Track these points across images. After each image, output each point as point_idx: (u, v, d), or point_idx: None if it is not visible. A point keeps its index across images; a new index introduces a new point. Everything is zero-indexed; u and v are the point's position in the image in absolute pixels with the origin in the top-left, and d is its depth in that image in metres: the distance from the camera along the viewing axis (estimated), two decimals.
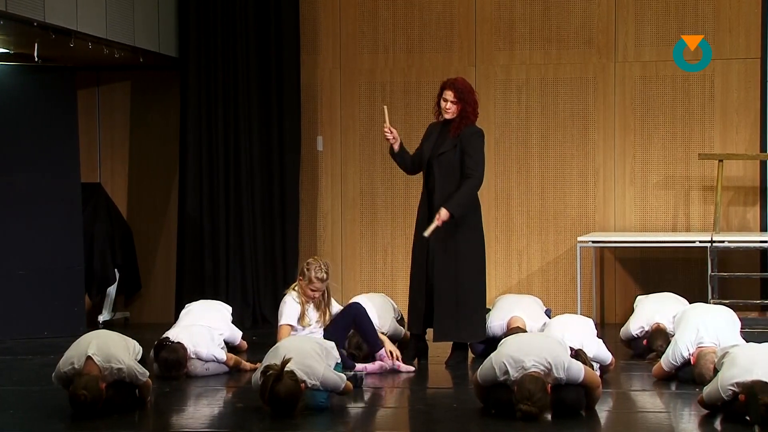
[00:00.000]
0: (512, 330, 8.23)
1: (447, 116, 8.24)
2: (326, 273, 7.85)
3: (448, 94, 8.20)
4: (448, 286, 8.18)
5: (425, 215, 8.27)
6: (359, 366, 7.77)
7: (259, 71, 10.73)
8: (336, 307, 8.04)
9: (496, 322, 8.54)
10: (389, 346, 8.05)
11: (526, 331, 8.24)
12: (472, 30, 10.82)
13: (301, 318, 7.86)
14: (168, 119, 11.06)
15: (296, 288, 7.93)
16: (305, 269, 7.87)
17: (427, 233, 8.12)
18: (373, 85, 10.94)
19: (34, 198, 9.89)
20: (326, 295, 7.93)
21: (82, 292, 10.19)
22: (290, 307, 7.88)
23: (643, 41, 10.58)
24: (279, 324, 7.94)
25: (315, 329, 7.90)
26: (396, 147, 8.38)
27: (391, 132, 8.33)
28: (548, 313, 8.86)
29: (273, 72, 10.73)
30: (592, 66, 10.66)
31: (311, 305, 7.91)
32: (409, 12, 10.89)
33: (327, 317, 7.93)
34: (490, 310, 8.78)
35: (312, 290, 7.84)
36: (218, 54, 10.71)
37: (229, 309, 9.01)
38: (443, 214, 8.09)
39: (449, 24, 10.84)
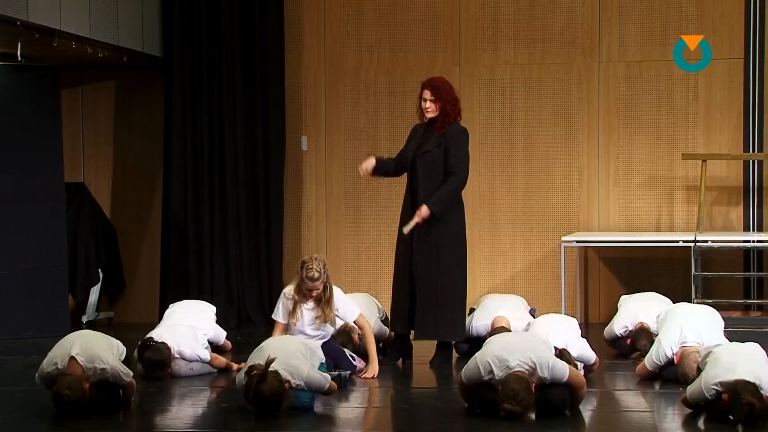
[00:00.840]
0: (497, 330, 8.24)
1: (428, 115, 8.27)
2: (319, 271, 7.59)
3: (426, 93, 8.25)
4: (428, 285, 8.20)
5: (408, 215, 8.28)
6: (360, 364, 7.84)
7: (244, 70, 10.71)
8: (342, 305, 7.79)
9: (480, 321, 8.54)
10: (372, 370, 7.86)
11: (510, 331, 8.25)
12: (456, 30, 10.83)
13: (292, 314, 7.71)
14: (152, 119, 11.04)
15: (295, 287, 7.75)
16: (299, 268, 7.68)
17: (406, 230, 8.14)
18: (357, 84, 10.93)
19: (18, 198, 9.85)
20: (326, 292, 7.69)
21: (66, 292, 10.16)
22: (281, 303, 7.76)
23: (627, 41, 10.60)
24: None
25: (315, 328, 7.72)
26: (369, 168, 8.34)
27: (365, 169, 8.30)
28: (532, 313, 8.87)
29: (257, 71, 10.72)
30: (577, 66, 10.68)
31: (310, 304, 7.73)
32: (394, 12, 10.89)
33: (328, 315, 7.69)
34: (474, 309, 8.79)
35: (306, 290, 7.66)
36: (203, 53, 10.69)
37: (214, 309, 9.00)
38: (424, 211, 8.11)
39: (434, 24, 10.84)
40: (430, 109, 8.25)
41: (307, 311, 7.73)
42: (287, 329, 7.73)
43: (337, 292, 7.80)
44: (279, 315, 7.76)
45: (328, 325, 7.78)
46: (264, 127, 10.74)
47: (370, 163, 8.38)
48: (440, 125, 8.23)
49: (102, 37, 9.62)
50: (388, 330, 8.77)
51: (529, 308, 8.99)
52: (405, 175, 8.45)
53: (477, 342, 7.84)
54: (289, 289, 7.78)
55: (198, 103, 10.69)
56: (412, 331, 8.39)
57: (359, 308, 8.15)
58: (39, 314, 9.83)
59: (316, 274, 7.60)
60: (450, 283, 8.25)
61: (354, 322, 7.96)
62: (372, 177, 8.56)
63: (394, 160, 8.47)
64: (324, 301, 7.69)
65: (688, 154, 10.30)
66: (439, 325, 8.24)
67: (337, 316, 7.84)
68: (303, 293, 7.67)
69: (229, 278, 10.65)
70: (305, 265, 7.64)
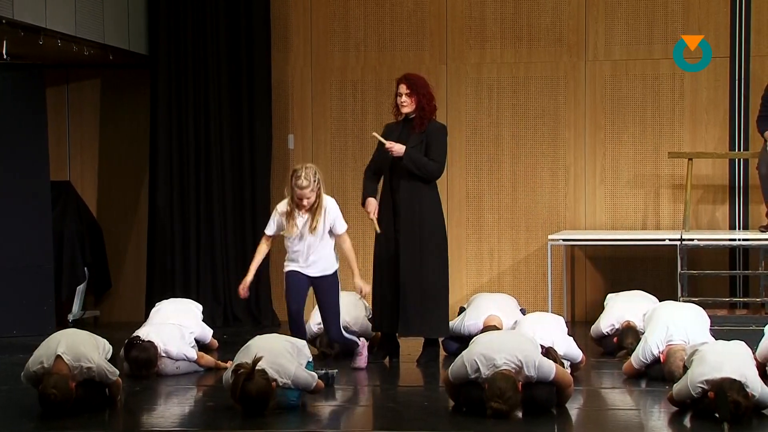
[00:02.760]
0: (488, 328, 8.24)
1: (404, 110, 8.26)
2: (308, 179, 7.61)
3: (402, 88, 8.27)
4: (415, 283, 8.20)
5: (389, 212, 8.26)
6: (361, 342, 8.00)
7: (230, 69, 10.70)
8: (335, 215, 7.76)
9: (472, 320, 8.53)
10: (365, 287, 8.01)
11: (501, 330, 8.24)
12: (443, 28, 10.84)
13: (288, 226, 7.73)
14: (138, 117, 11.02)
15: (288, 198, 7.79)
16: (290, 177, 7.73)
17: (376, 135, 8.15)
18: (344, 83, 10.93)
19: (3, 196, 9.82)
20: (319, 200, 7.70)
21: (52, 291, 10.12)
22: (273, 218, 7.86)
23: (614, 40, 10.63)
24: None
25: (306, 236, 7.73)
26: (375, 211, 8.32)
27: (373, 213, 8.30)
28: (523, 313, 8.85)
29: (244, 70, 10.70)
30: (563, 64, 10.69)
31: (304, 215, 7.73)
32: (381, 10, 10.89)
33: (317, 224, 7.71)
34: (464, 308, 8.79)
35: (298, 198, 7.69)
36: (189, 51, 10.67)
37: (200, 307, 8.99)
38: (399, 147, 8.12)
39: (420, 22, 10.85)
40: (406, 104, 8.25)
41: (301, 221, 7.74)
42: (272, 242, 7.95)
43: (330, 202, 7.80)
44: (269, 228, 7.89)
45: (313, 235, 7.73)
46: (250, 126, 10.73)
47: (373, 206, 8.32)
48: (419, 122, 8.23)
49: (87, 35, 9.60)
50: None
51: (520, 308, 8.97)
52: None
53: (468, 341, 7.83)
54: (281, 205, 7.83)
55: (184, 102, 10.67)
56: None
57: (345, 306, 8.21)
58: (25, 313, 9.80)
59: (305, 182, 7.63)
60: (436, 281, 8.27)
61: (340, 236, 7.88)
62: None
63: (372, 170, 8.42)
64: (314, 209, 7.71)
65: (675, 153, 10.33)
66: (425, 322, 8.25)
67: (331, 229, 7.81)
68: (296, 203, 7.72)
69: (216, 277, 10.64)
70: (295, 173, 7.69)
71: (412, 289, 8.21)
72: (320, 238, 7.80)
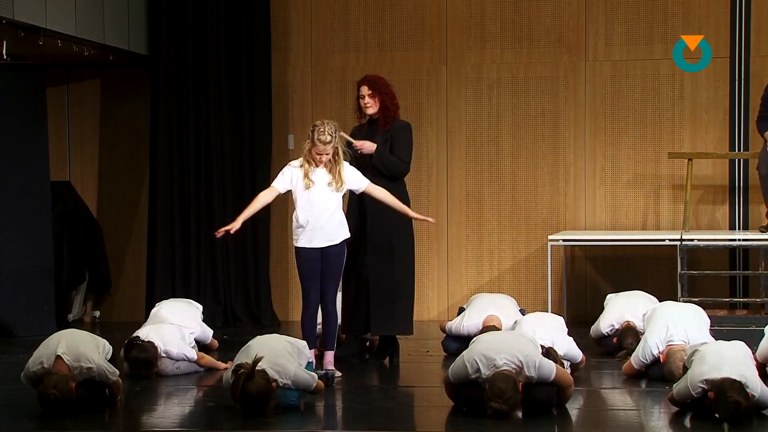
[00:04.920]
0: (487, 328, 8.25)
1: (368, 111, 8.27)
2: (330, 135, 7.51)
3: (364, 90, 8.27)
4: (386, 282, 8.19)
5: (356, 211, 8.23)
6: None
7: (230, 69, 10.70)
8: (352, 174, 7.70)
9: (471, 320, 8.54)
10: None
11: (501, 330, 8.25)
12: (443, 28, 10.84)
13: (305, 177, 7.57)
14: (138, 117, 11.02)
15: (304, 153, 7.66)
16: (310, 131, 7.60)
17: (348, 138, 8.05)
18: (344, 83, 10.93)
19: (3, 196, 9.82)
20: (337, 157, 7.60)
21: (52, 291, 10.12)
22: (282, 173, 7.70)
23: (614, 40, 10.63)
24: None
25: (330, 192, 7.59)
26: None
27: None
28: (523, 313, 8.85)
29: (244, 70, 10.70)
30: (563, 65, 10.69)
31: (321, 168, 7.60)
32: (381, 10, 10.89)
33: (341, 181, 7.59)
34: (464, 308, 8.80)
35: (317, 153, 7.56)
36: (189, 52, 10.67)
37: (200, 307, 9.00)
38: (369, 144, 8.11)
39: (421, 22, 10.85)
40: (370, 105, 8.26)
41: (320, 177, 7.61)
42: (275, 197, 7.73)
43: (344, 164, 7.69)
44: (277, 182, 7.69)
45: (337, 192, 7.63)
46: (250, 126, 10.73)
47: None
48: (383, 122, 8.26)
49: (88, 36, 9.60)
50: None
51: (519, 308, 8.98)
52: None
53: (467, 341, 7.83)
54: (296, 161, 7.70)
55: (184, 102, 10.67)
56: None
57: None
58: (25, 313, 9.80)
59: (328, 138, 7.53)
60: (405, 280, 8.31)
61: (367, 188, 7.77)
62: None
63: None
64: (335, 165, 7.59)
65: (674, 153, 10.33)
66: (398, 320, 8.26)
67: (351, 190, 7.76)
68: (313, 158, 7.60)
69: (216, 277, 10.63)
70: (317, 128, 7.57)
71: (383, 288, 8.19)
72: (338, 195, 7.63)
